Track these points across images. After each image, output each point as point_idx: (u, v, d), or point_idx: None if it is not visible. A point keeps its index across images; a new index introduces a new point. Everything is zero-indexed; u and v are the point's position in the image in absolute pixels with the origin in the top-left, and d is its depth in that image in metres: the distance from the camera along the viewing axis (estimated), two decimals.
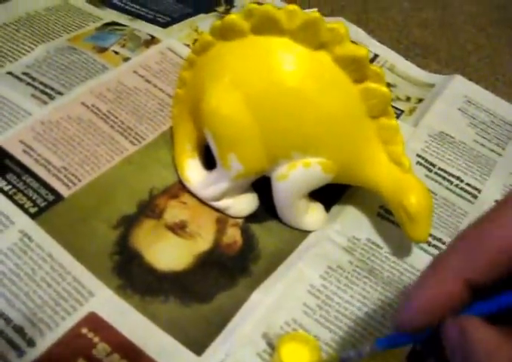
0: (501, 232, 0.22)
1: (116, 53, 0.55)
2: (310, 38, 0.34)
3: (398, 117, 0.54)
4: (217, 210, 0.42)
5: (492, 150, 0.53)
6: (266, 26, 0.35)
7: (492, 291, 0.23)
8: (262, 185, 0.41)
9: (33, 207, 0.40)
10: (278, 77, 0.35)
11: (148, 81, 0.52)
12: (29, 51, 0.53)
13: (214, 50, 0.38)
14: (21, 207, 0.40)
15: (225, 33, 0.37)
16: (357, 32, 0.65)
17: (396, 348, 0.26)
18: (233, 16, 0.36)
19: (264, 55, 0.36)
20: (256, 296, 0.38)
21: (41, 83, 0.50)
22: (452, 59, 0.66)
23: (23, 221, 0.39)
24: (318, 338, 0.36)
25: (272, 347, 0.35)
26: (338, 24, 0.34)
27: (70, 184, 0.42)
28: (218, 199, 0.42)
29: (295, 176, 0.38)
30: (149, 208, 0.42)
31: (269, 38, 0.36)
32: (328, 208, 0.44)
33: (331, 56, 0.35)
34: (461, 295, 0.23)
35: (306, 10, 0.35)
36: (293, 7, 0.34)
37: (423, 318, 0.23)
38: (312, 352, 0.33)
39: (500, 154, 0.53)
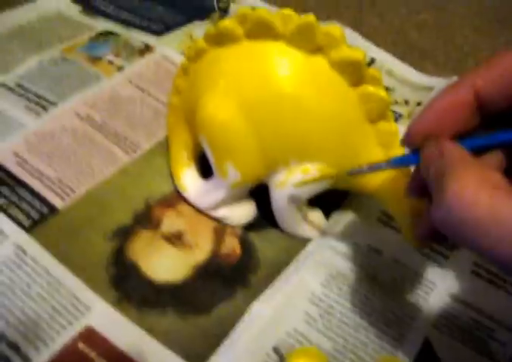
0: None
1: (110, 62, 0.54)
2: (306, 42, 0.34)
3: (397, 120, 0.54)
4: (214, 219, 0.42)
5: None
6: (261, 30, 0.35)
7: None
8: (260, 193, 0.40)
9: (27, 219, 0.39)
10: (274, 82, 0.35)
11: (142, 90, 0.52)
12: (22, 62, 0.53)
13: (208, 56, 0.38)
14: (15, 220, 0.39)
15: (219, 39, 0.37)
16: (354, 36, 0.65)
17: (407, 166, 0.27)
18: (227, 22, 0.36)
19: (259, 60, 0.35)
20: (256, 306, 0.37)
21: (35, 94, 0.49)
22: (450, 62, 0.66)
23: (17, 234, 0.38)
24: (320, 348, 0.35)
25: (282, 361, 0.34)
26: (334, 28, 0.34)
27: (65, 196, 0.41)
28: (215, 208, 0.41)
29: (294, 182, 0.37)
30: (145, 218, 0.41)
31: (264, 43, 0.35)
32: (327, 215, 0.43)
33: (328, 60, 0.34)
34: (470, 107, 0.24)
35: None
36: (288, 11, 0.34)
37: (429, 129, 0.25)
38: None
39: None
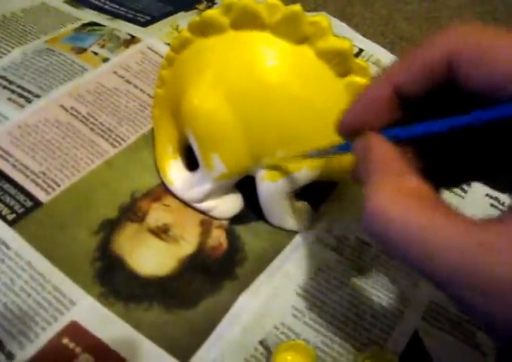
0: (432, 47, 0.23)
1: (95, 53, 0.53)
2: (292, 32, 0.34)
3: None
4: (201, 212, 0.41)
5: None
6: (246, 20, 0.34)
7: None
8: (246, 185, 0.40)
9: (11, 213, 0.39)
10: (260, 73, 0.34)
11: (128, 82, 0.51)
12: (5, 54, 0.52)
13: (193, 47, 0.37)
14: None
15: (204, 29, 0.36)
16: (341, 27, 0.64)
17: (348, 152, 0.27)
18: (212, 12, 0.35)
19: (245, 51, 0.35)
20: (243, 300, 0.37)
21: (19, 86, 0.48)
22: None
23: (0, 229, 0.38)
24: (308, 342, 0.35)
25: (270, 355, 0.34)
26: (320, 17, 0.33)
27: (49, 189, 0.41)
28: (202, 201, 0.40)
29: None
30: (131, 212, 0.41)
31: (250, 33, 0.35)
32: (315, 207, 0.43)
33: (314, 50, 0.34)
34: (390, 101, 0.24)
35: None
36: (274, 0, 0.33)
37: (355, 121, 0.25)
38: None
39: None
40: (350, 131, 0.26)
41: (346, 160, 0.36)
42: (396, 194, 0.21)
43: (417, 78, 0.23)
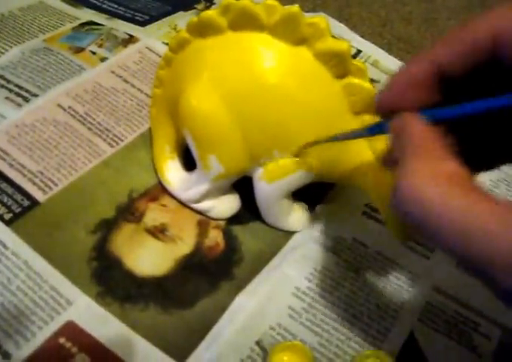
0: (476, 27, 0.23)
1: (93, 53, 0.53)
2: (290, 33, 0.34)
3: None
4: (198, 212, 0.41)
5: None
6: (244, 21, 0.34)
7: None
8: (244, 186, 0.40)
9: (8, 213, 0.39)
10: (257, 74, 0.34)
11: (126, 81, 0.51)
12: (3, 53, 0.52)
13: (191, 47, 0.37)
14: None
15: (202, 30, 0.36)
16: (339, 28, 0.64)
17: (384, 133, 0.27)
18: (209, 12, 0.35)
19: (243, 51, 0.35)
20: (239, 300, 0.37)
21: (16, 85, 0.48)
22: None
23: None
24: (304, 342, 0.35)
25: (266, 355, 0.34)
26: (318, 19, 0.33)
27: (46, 188, 0.41)
28: (199, 201, 0.41)
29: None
30: (128, 211, 0.41)
31: (248, 34, 0.35)
32: (312, 208, 0.43)
33: (312, 51, 0.34)
34: (431, 80, 0.24)
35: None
36: (272, 1, 0.33)
37: (393, 98, 0.25)
38: None
39: None
40: (388, 110, 0.26)
41: (343, 161, 0.36)
42: (434, 176, 0.21)
43: (461, 57, 0.23)
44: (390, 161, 0.28)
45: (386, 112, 0.26)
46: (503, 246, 0.18)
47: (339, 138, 0.33)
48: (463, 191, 0.20)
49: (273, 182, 0.37)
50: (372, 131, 0.29)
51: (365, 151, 0.36)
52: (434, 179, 0.21)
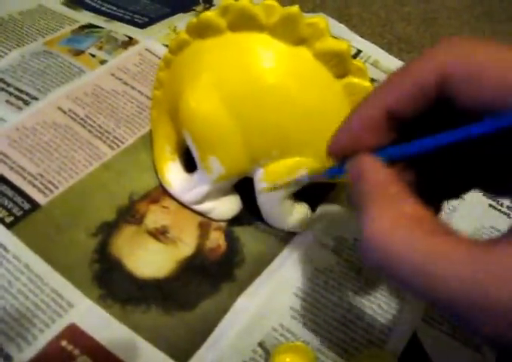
0: (421, 67, 0.23)
1: (93, 55, 0.53)
2: (289, 33, 0.34)
3: None
4: (199, 213, 0.41)
5: None
6: (244, 22, 0.34)
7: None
8: (245, 187, 0.40)
9: (9, 216, 0.39)
10: (257, 74, 0.34)
11: (126, 84, 0.51)
12: (3, 56, 0.52)
13: (190, 48, 0.37)
14: None
15: (201, 31, 0.36)
16: (339, 28, 0.64)
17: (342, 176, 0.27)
18: (209, 13, 0.35)
19: (243, 52, 0.35)
20: (241, 301, 0.36)
21: (16, 88, 0.48)
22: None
23: None
24: (306, 343, 0.35)
25: (268, 356, 0.34)
26: (318, 19, 0.33)
27: (47, 191, 0.41)
28: (200, 202, 0.40)
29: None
30: (129, 214, 0.41)
31: (247, 35, 0.35)
32: (313, 208, 0.43)
33: (312, 51, 0.34)
34: (380, 119, 0.24)
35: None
36: (271, 2, 0.33)
37: (347, 143, 0.25)
38: None
39: None
40: (342, 153, 0.26)
41: None
42: (396, 220, 0.21)
43: (409, 99, 0.23)
44: (350, 200, 0.28)
45: (339, 155, 0.26)
46: (472, 288, 0.18)
47: (302, 179, 0.34)
48: (425, 233, 0.20)
49: (274, 183, 0.37)
50: (330, 174, 0.29)
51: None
52: (395, 224, 0.21)
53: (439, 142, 0.22)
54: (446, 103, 0.22)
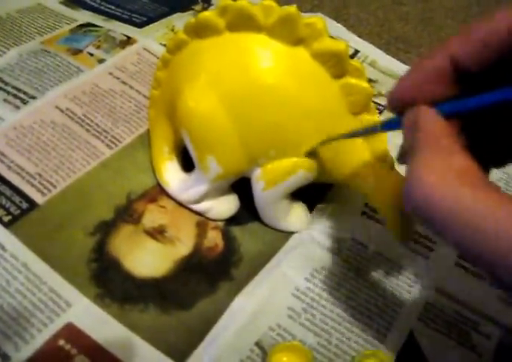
0: (492, 21, 0.23)
1: (91, 54, 0.53)
2: (287, 33, 0.34)
3: (381, 113, 0.53)
4: (197, 213, 0.41)
5: None
6: (242, 22, 0.34)
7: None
8: (242, 187, 0.40)
9: (6, 215, 0.39)
10: (255, 75, 0.34)
11: (124, 83, 0.51)
12: (0, 55, 0.52)
13: (188, 48, 0.37)
14: None
15: (199, 31, 0.36)
16: (337, 28, 0.64)
17: (397, 129, 0.27)
18: (207, 13, 0.35)
19: (241, 52, 0.35)
20: (238, 301, 0.36)
21: (14, 87, 0.48)
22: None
23: None
24: (304, 343, 0.35)
25: (265, 356, 0.34)
26: (316, 19, 0.33)
27: (45, 190, 0.41)
28: (198, 202, 0.40)
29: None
30: (126, 213, 0.41)
31: (246, 35, 0.35)
32: (311, 208, 0.43)
33: (310, 51, 0.34)
34: (447, 73, 0.24)
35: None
36: (269, 2, 0.33)
37: (408, 93, 0.25)
38: None
39: None
40: (401, 105, 0.25)
41: (342, 162, 0.36)
42: (446, 171, 0.21)
43: (476, 50, 0.23)
44: (403, 156, 0.28)
45: (399, 107, 0.26)
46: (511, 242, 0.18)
47: (353, 135, 0.33)
48: (473, 188, 0.20)
49: (272, 182, 0.37)
50: (386, 127, 0.28)
51: (364, 152, 0.36)
52: (445, 174, 0.21)
53: (499, 97, 0.22)
54: None
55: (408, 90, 0.25)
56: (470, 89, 0.24)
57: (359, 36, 0.64)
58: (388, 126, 0.28)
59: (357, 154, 0.36)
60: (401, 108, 0.26)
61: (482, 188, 0.20)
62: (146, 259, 0.38)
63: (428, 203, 0.21)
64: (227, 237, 0.41)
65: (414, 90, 0.25)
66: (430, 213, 0.21)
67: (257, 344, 0.35)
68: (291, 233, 0.41)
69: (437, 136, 0.23)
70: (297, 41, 0.34)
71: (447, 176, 0.21)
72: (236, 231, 0.41)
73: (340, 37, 0.62)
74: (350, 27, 0.65)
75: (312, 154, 0.36)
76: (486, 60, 0.23)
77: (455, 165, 0.21)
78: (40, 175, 0.42)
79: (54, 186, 0.41)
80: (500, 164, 0.28)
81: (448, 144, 0.22)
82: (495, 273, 0.19)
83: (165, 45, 0.56)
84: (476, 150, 0.23)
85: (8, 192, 0.40)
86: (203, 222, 0.41)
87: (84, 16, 0.59)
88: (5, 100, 0.47)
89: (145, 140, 0.46)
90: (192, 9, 0.64)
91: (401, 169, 0.37)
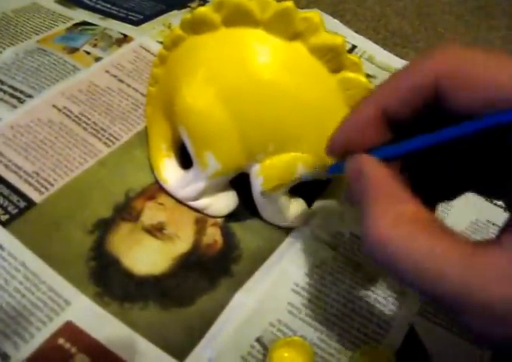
0: (419, 69, 0.24)
1: (88, 53, 0.53)
2: (284, 28, 0.34)
3: None
4: (195, 210, 0.41)
5: None
6: (238, 17, 0.34)
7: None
8: (241, 183, 0.39)
9: (4, 214, 0.39)
10: (253, 70, 0.34)
11: (121, 81, 0.51)
12: None
13: (185, 44, 0.37)
14: None
15: (196, 27, 0.36)
16: (334, 23, 0.64)
17: (342, 173, 0.27)
18: (203, 9, 0.35)
19: (238, 48, 0.35)
20: (238, 297, 0.36)
21: (10, 86, 0.48)
22: (431, 48, 0.65)
23: None
24: (304, 338, 0.35)
25: (266, 352, 0.34)
26: (312, 13, 0.33)
27: (42, 189, 0.41)
28: (196, 199, 0.40)
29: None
30: (125, 211, 0.41)
31: (242, 30, 0.35)
32: (309, 203, 0.43)
33: (307, 46, 0.34)
34: (376, 120, 0.25)
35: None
36: None
37: (344, 142, 0.26)
38: (306, 358, 0.33)
39: None
40: (341, 152, 0.26)
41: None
42: (397, 221, 0.21)
43: (405, 101, 0.24)
44: (349, 198, 0.29)
45: (338, 154, 0.27)
46: (470, 287, 0.19)
47: (303, 179, 0.35)
48: (425, 233, 0.21)
49: (271, 178, 0.37)
50: (331, 172, 0.29)
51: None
52: (396, 222, 0.21)
53: (433, 139, 0.23)
54: (442, 106, 0.23)
55: (345, 138, 0.26)
56: (404, 132, 0.25)
57: (356, 31, 0.64)
58: (333, 170, 0.29)
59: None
60: (341, 154, 0.26)
61: (433, 231, 0.21)
62: (145, 256, 0.38)
63: (385, 251, 0.21)
64: (226, 233, 0.41)
65: (350, 138, 0.26)
66: (388, 260, 0.21)
67: (258, 340, 0.35)
68: (291, 229, 0.41)
69: (384, 186, 0.23)
70: (294, 35, 0.34)
71: (399, 224, 0.21)
72: (236, 227, 0.41)
73: (337, 32, 0.62)
74: (347, 22, 0.65)
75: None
76: (415, 110, 0.24)
77: (406, 212, 0.22)
78: (37, 174, 0.41)
79: (52, 185, 0.41)
80: (446, 198, 0.29)
81: (395, 192, 0.23)
82: (460, 316, 0.20)
83: (161, 43, 0.56)
84: (419, 188, 0.24)
85: (6, 191, 0.40)
86: (202, 218, 0.41)
87: (80, 14, 0.59)
88: (2, 99, 0.47)
89: (143, 138, 0.46)
90: (189, 6, 0.64)
91: None
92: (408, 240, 0.21)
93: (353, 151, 0.25)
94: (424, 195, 0.24)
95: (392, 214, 0.22)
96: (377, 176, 0.24)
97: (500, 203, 0.46)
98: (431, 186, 0.27)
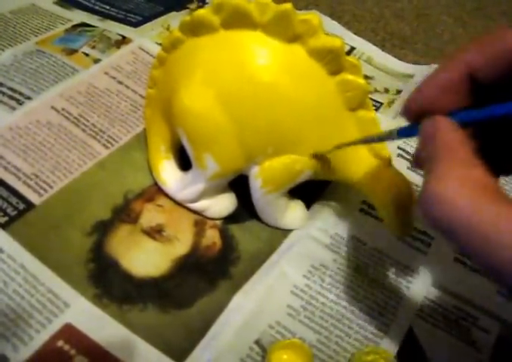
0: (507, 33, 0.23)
1: (86, 54, 0.53)
2: (283, 30, 0.34)
3: (377, 109, 0.53)
4: (194, 212, 0.41)
5: None
6: (237, 19, 0.34)
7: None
8: (240, 185, 0.39)
9: (3, 216, 0.39)
10: (251, 72, 0.34)
11: (120, 83, 0.51)
12: None
13: (184, 46, 0.37)
14: None
15: (195, 29, 0.36)
16: (332, 25, 0.64)
17: (413, 136, 0.27)
18: (202, 11, 0.35)
19: (236, 50, 0.35)
20: (237, 299, 0.36)
21: (9, 88, 0.48)
22: (429, 49, 0.65)
23: None
24: (303, 340, 0.35)
25: (265, 354, 0.34)
26: (311, 15, 0.33)
27: (41, 191, 0.41)
28: (195, 201, 0.40)
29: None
30: (124, 213, 0.41)
31: (241, 33, 0.35)
32: (308, 205, 0.43)
33: (306, 48, 0.34)
34: (461, 82, 0.24)
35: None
36: None
37: (424, 104, 0.25)
38: (305, 361, 0.33)
39: None
40: (418, 113, 0.26)
41: (340, 159, 0.36)
42: (462, 183, 0.21)
43: (494, 63, 0.23)
44: (417, 162, 0.28)
45: (414, 116, 0.26)
46: None
47: (368, 141, 0.34)
48: (494, 202, 0.20)
49: (270, 180, 0.37)
50: (401, 134, 0.29)
51: (362, 150, 0.36)
52: (463, 186, 0.21)
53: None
54: None
55: (425, 99, 0.25)
56: (484, 99, 0.24)
57: (355, 33, 0.64)
58: (405, 133, 0.28)
59: (355, 151, 0.36)
60: (417, 117, 0.26)
61: (503, 203, 0.20)
62: (144, 258, 0.38)
63: (447, 213, 0.21)
64: (225, 235, 0.41)
65: (431, 99, 0.25)
66: (450, 225, 0.21)
67: (257, 342, 0.35)
68: (289, 231, 0.41)
69: (456, 148, 0.23)
70: (293, 37, 0.34)
71: (466, 188, 0.21)
72: (234, 229, 0.41)
73: (335, 34, 0.62)
74: (346, 24, 0.65)
75: (318, 156, 0.36)
76: (502, 73, 0.23)
77: (473, 177, 0.21)
78: (36, 175, 0.41)
79: (51, 187, 0.41)
80: (510, 172, 0.28)
81: (465, 156, 0.22)
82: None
83: (160, 44, 0.56)
84: (487, 158, 0.24)
85: (5, 193, 0.40)
86: (201, 220, 0.41)
87: (78, 16, 0.59)
88: (0, 101, 0.47)
89: (141, 140, 0.46)
90: (188, 8, 0.64)
91: (399, 167, 0.38)
92: (473, 203, 0.20)
93: (430, 113, 0.25)
94: (490, 165, 0.23)
95: (458, 176, 0.21)
96: (450, 137, 0.23)
97: None
98: (497, 157, 0.27)
